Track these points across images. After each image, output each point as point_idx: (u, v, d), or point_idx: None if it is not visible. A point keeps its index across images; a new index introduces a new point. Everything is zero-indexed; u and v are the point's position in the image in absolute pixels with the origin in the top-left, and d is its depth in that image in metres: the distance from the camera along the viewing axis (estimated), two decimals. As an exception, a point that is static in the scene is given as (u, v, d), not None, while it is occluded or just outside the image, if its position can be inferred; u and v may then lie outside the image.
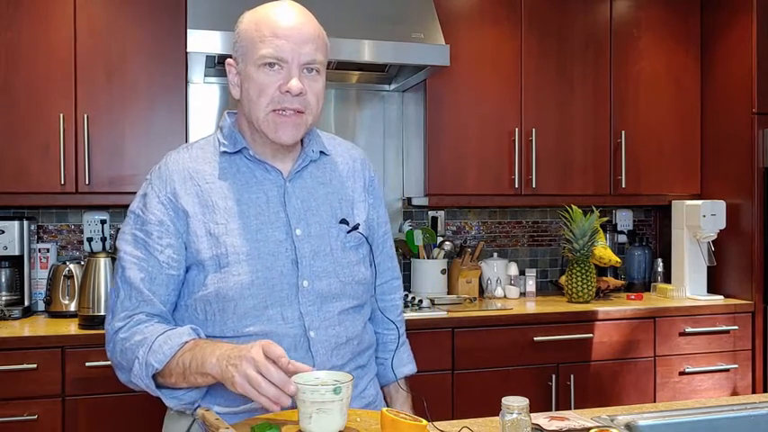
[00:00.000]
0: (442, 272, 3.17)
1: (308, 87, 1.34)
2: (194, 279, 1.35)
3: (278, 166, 1.41)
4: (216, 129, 1.47)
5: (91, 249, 2.98)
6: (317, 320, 1.37)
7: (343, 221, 1.43)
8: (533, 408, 1.22)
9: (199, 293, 1.34)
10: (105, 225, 3.01)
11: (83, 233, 3.03)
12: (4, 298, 2.77)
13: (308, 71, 1.34)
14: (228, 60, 1.40)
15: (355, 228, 1.44)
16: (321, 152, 1.47)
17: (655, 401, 2.95)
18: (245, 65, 1.35)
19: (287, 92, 1.31)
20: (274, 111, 1.33)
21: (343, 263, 1.41)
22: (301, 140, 1.44)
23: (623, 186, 3.27)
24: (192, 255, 1.34)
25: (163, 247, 1.34)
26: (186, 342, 1.27)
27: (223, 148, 1.40)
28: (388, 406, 1.60)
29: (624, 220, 3.70)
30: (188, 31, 2.56)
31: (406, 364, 1.62)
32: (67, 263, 2.77)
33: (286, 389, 1.13)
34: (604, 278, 3.31)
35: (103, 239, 2.96)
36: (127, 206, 3.01)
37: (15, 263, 2.79)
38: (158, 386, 1.29)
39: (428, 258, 3.18)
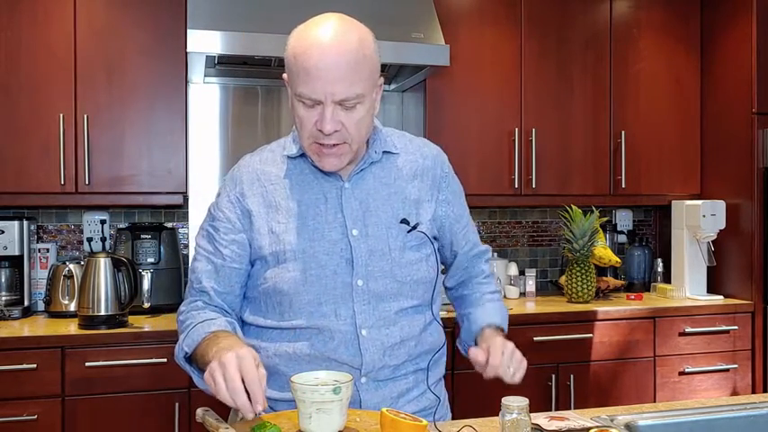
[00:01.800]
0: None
1: (345, 121, 1.31)
2: (257, 273, 1.44)
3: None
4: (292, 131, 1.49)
5: (91, 249, 2.98)
6: (370, 319, 1.39)
7: (404, 221, 1.43)
8: (533, 408, 1.22)
9: (261, 287, 1.42)
10: (105, 225, 3.01)
11: (82, 233, 3.03)
12: (3, 298, 2.77)
13: (347, 105, 1.31)
14: (284, 76, 1.40)
15: (414, 227, 1.43)
16: (386, 152, 1.47)
17: (655, 401, 2.95)
18: (291, 91, 1.36)
19: (321, 130, 1.31)
20: (316, 143, 1.34)
21: (402, 262, 1.42)
22: (366, 143, 1.44)
23: (623, 186, 3.27)
24: (255, 251, 1.42)
25: (227, 242, 1.42)
26: (212, 332, 1.33)
27: (286, 152, 1.45)
28: (447, 408, 1.57)
29: (624, 220, 3.70)
30: (188, 31, 2.56)
31: (491, 317, 1.57)
32: (67, 263, 2.78)
33: (254, 400, 1.14)
34: (604, 278, 3.31)
35: (103, 239, 2.96)
36: (127, 206, 3.05)
37: (15, 263, 2.79)
38: (196, 371, 1.36)
39: (428, 258, 3.18)
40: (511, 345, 1.44)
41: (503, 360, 1.39)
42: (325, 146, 1.34)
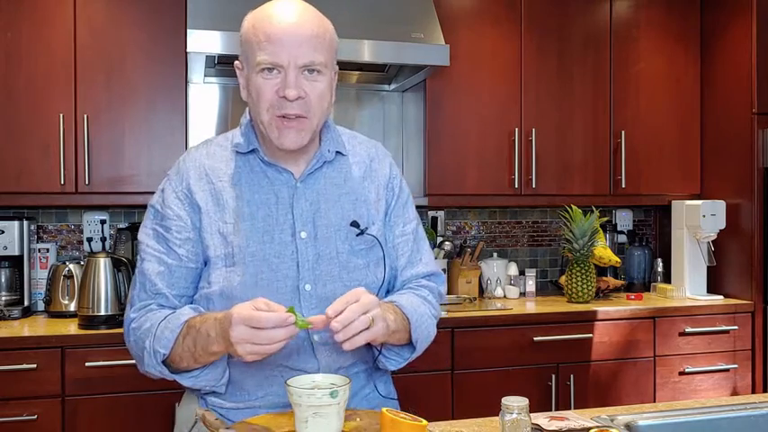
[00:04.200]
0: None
1: (308, 90, 1.30)
2: (201, 275, 1.38)
3: (291, 167, 1.39)
4: (239, 125, 1.45)
5: (90, 249, 2.98)
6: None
7: (354, 224, 1.39)
8: (533, 408, 1.22)
9: (204, 291, 1.36)
10: (105, 225, 3.01)
11: (82, 233, 3.03)
12: (3, 298, 2.77)
13: (309, 72, 1.31)
14: (236, 63, 1.39)
15: (363, 231, 1.39)
16: (338, 152, 1.44)
17: (655, 401, 2.95)
18: (248, 69, 1.34)
19: (284, 97, 1.29)
20: (277, 116, 1.31)
21: (350, 267, 1.38)
22: (319, 139, 1.42)
23: (623, 186, 3.27)
24: (202, 250, 1.36)
25: (182, 241, 1.36)
26: (184, 322, 1.28)
27: (236, 148, 1.40)
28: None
29: (624, 220, 3.70)
30: (188, 31, 2.56)
31: (396, 296, 1.42)
32: (67, 263, 2.77)
33: (285, 325, 1.15)
34: (604, 278, 3.31)
35: (103, 239, 2.96)
36: (127, 206, 3.03)
37: (15, 263, 2.79)
38: (173, 371, 1.32)
39: (428, 258, 3.18)
40: (364, 300, 1.22)
41: (341, 315, 1.19)
42: (287, 117, 1.31)
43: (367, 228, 1.41)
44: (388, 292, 1.47)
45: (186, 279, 1.37)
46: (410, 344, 1.40)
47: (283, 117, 1.31)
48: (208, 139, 1.48)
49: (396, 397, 1.54)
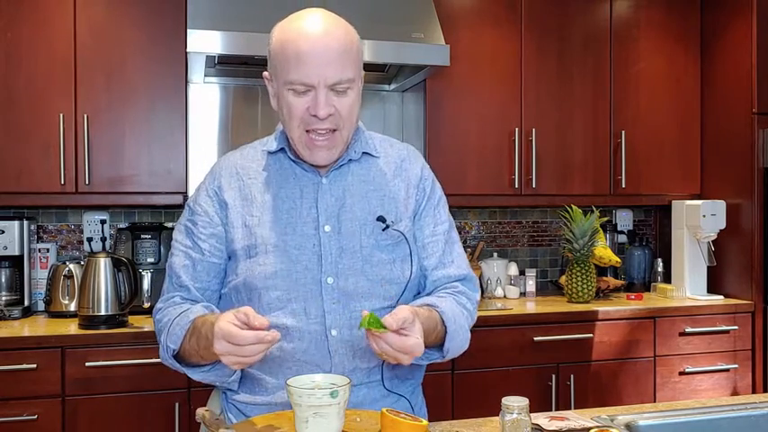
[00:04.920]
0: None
1: (337, 106, 1.32)
2: (229, 268, 1.42)
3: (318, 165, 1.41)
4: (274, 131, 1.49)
5: (91, 249, 2.98)
6: (341, 319, 1.36)
7: (380, 218, 1.40)
8: (533, 408, 1.22)
9: (231, 282, 1.41)
10: (105, 225, 3.01)
11: (82, 233, 3.03)
12: (3, 298, 2.77)
13: (339, 89, 1.32)
14: (264, 74, 1.41)
15: (388, 226, 1.40)
16: (366, 153, 1.46)
17: (655, 401, 2.95)
18: (277, 84, 1.35)
19: (314, 116, 1.31)
20: (307, 131, 1.34)
21: (373, 261, 1.38)
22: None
23: (623, 186, 3.27)
24: (228, 244, 1.41)
25: (206, 236, 1.41)
26: (191, 321, 1.31)
27: (266, 148, 1.45)
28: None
29: (624, 220, 3.70)
30: (188, 31, 2.56)
31: (434, 299, 1.40)
32: (67, 263, 2.78)
33: (263, 341, 1.16)
34: (604, 278, 3.31)
35: (103, 239, 2.96)
36: (127, 206, 3.04)
37: (15, 263, 2.79)
38: (185, 365, 1.36)
39: (428, 258, 3.18)
40: (414, 327, 1.21)
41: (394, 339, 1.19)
42: (318, 133, 1.33)
43: (393, 222, 1.41)
44: (418, 293, 1.47)
45: (209, 273, 1.41)
46: (440, 347, 1.39)
47: (314, 132, 1.33)
48: (246, 144, 1.52)
49: (424, 409, 1.52)
